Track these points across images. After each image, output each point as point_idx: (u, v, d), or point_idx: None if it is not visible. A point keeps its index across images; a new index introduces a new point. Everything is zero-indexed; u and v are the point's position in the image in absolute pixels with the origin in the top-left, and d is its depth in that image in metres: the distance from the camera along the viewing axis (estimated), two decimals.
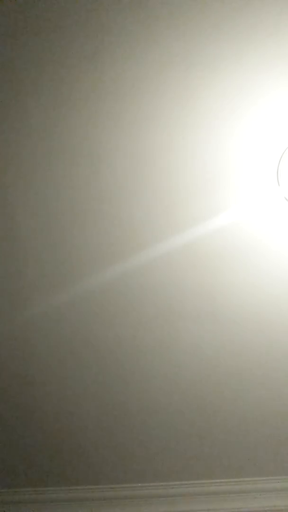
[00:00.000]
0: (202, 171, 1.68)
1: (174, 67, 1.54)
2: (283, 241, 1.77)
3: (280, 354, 1.97)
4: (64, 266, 1.84)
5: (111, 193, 1.73)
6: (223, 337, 1.95)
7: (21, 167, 1.70)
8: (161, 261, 1.82)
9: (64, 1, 1.45)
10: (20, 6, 1.45)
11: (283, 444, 2.14)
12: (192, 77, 1.55)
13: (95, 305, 1.90)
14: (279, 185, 1.65)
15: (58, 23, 1.48)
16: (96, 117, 1.61)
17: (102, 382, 2.04)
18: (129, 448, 2.15)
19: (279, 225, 1.75)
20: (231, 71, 1.54)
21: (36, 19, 1.47)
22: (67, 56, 1.53)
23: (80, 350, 1.98)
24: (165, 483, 2.23)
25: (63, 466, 2.21)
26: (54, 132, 1.64)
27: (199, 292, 1.87)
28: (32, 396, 2.08)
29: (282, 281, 1.84)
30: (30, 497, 2.28)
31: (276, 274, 1.83)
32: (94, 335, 1.95)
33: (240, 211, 1.73)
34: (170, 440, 2.14)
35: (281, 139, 1.63)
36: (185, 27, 1.48)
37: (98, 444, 2.15)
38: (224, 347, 1.96)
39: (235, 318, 1.91)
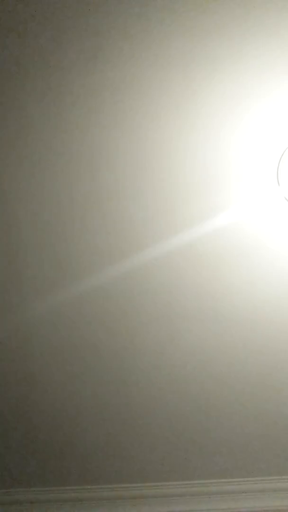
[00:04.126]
0: (202, 171, 1.68)
1: (174, 67, 1.54)
2: (283, 241, 1.77)
3: (280, 354, 1.97)
4: (64, 266, 1.84)
5: (111, 193, 1.73)
6: (223, 337, 1.95)
7: (21, 167, 1.70)
8: (161, 261, 1.82)
9: (65, 1, 1.45)
10: (20, 5, 1.45)
11: (283, 444, 2.14)
12: (192, 77, 1.55)
13: (95, 305, 1.90)
14: (279, 185, 1.65)
15: (58, 23, 1.48)
16: (96, 117, 1.61)
17: (102, 382, 2.04)
18: (129, 448, 2.15)
19: (279, 225, 1.75)
20: (231, 71, 1.54)
21: (36, 19, 1.47)
22: (67, 55, 1.52)
23: (80, 350, 1.98)
24: (165, 483, 2.23)
25: (63, 466, 2.21)
26: (54, 132, 1.64)
27: (199, 292, 1.87)
28: (32, 396, 2.08)
29: (282, 281, 1.84)
30: (30, 497, 2.28)
31: (276, 274, 1.83)
32: (94, 335, 1.95)
33: (240, 211, 1.73)
34: (170, 440, 2.14)
35: (281, 139, 1.63)
36: (185, 27, 1.48)
37: (98, 444, 2.15)
38: (224, 347, 1.96)
39: (235, 318, 1.91)
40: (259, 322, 1.92)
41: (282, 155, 1.62)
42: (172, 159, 1.67)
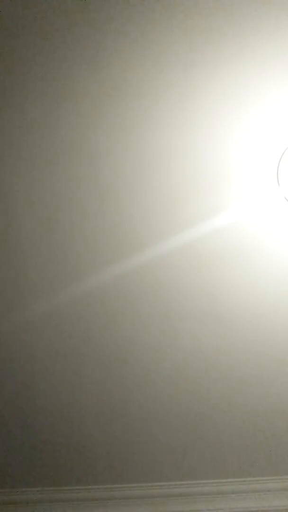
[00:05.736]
0: (202, 171, 1.68)
1: (174, 67, 1.54)
2: (283, 241, 1.77)
3: (280, 354, 1.97)
4: (64, 266, 1.84)
5: (111, 193, 1.73)
6: (222, 336, 1.95)
7: (21, 168, 1.70)
8: (161, 261, 1.82)
9: (65, 1, 1.45)
10: (21, 5, 1.45)
11: (282, 444, 2.14)
12: (192, 77, 1.55)
13: (95, 305, 1.90)
14: (279, 185, 1.65)
15: (59, 23, 1.48)
16: (96, 117, 1.62)
17: (102, 382, 2.04)
18: (129, 448, 2.15)
19: (279, 225, 1.75)
20: (231, 71, 1.54)
21: (37, 19, 1.47)
22: (68, 56, 1.53)
23: (80, 350, 1.98)
24: (165, 483, 2.23)
25: (63, 466, 2.21)
26: (54, 133, 1.64)
27: (199, 292, 1.87)
28: (32, 396, 2.08)
29: (282, 281, 1.84)
30: (30, 497, 2.28)
31: (276, 274, 1.83)
32: (94, 335, 1.95)
33: (240, 211, 1.73)
34: (170, 440, 2.14)
35: (281, 139, 1.63)
36: (184, 28, 1.48)
37: (98, 444, 2.15)
38: (223, 346, 1.96)
39: (235, 318, 1.91)
40: (259, 322, 1.92)
41: (282, 155, 1.62)
42: (172, 159, 1.67)
